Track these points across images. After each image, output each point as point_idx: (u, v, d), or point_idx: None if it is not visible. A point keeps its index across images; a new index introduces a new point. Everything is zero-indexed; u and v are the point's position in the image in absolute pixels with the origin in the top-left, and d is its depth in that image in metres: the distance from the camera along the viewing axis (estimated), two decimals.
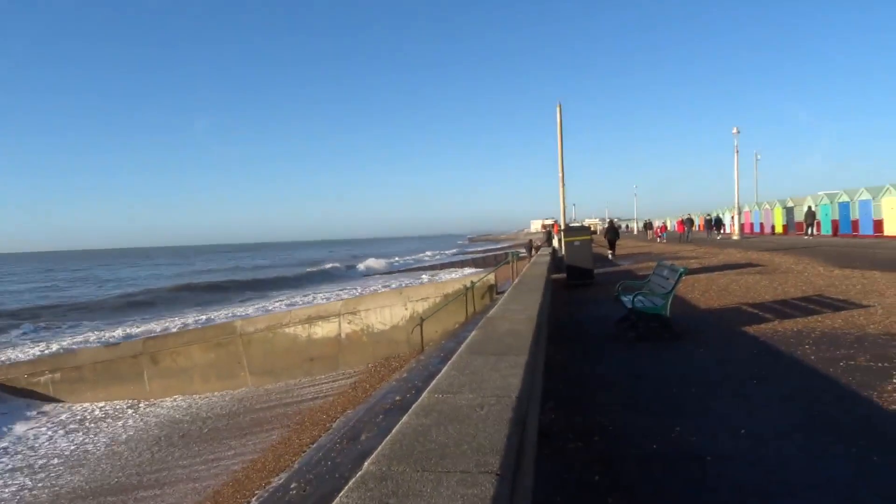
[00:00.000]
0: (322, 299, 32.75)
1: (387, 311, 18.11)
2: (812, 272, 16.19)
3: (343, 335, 17.86)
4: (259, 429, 12.28)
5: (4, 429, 13.67)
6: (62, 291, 54.96)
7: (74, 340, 24.90)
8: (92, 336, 26.01)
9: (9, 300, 46.78)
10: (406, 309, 18.04)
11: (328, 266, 67.81)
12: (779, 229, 48.15)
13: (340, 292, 38.32)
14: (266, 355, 17.40)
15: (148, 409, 15.33)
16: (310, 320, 17.94)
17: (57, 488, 10.20)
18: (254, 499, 7.68)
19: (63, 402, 15.97)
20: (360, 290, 38.03)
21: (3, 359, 21.23)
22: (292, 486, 6.64)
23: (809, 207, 40.14)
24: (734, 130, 41.02)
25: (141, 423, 14.10)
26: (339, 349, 17.72)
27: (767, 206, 51.88)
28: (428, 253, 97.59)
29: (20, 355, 21.62)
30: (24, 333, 29.09)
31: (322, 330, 17.83)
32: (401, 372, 12.80)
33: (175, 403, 15.71)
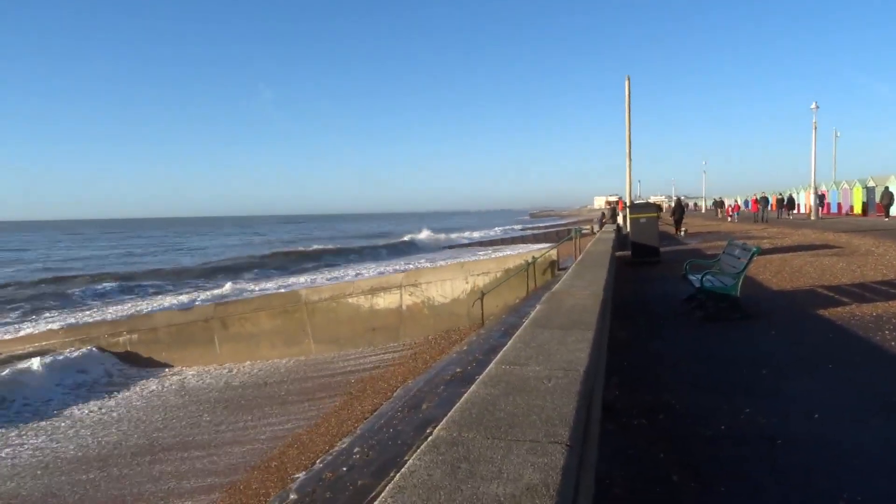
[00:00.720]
0: (392, 271, 33.22)
1: (447, 284, 18.21)
2: (893, 255, 15.39)
3: (404, 307, 18.09)
4: (322, 394, 12.64)
5: (86, 384, 14.53)
6: (140, 258, 57.60)
7: (151, 303, 26.17)
8: (167, 299, 27.24)
9: (93, 265, 49.26)
10: (467, 283, 18.09)
11: (406, 238, 68.20)
12: (857, 210, 45.81)
13: (408, 265, 38.91)
14: (329, 324, 17.81)
15: (217, 372, 15.98)
16: (372, 291, 18.23)
17: (124, 445, 10.79)
18: (318, 461, 7.94)
19: (140, 362, 16.80)
20: (428, 263, 38.51)
21: (86, 318, 22.56)
22: (355, 450, 6.82)
23: (887, 188, 38.01)
24: (813, 106, 39.07)
25: (210, 385, 14.71)
26: (401, 320, 17.97)
27: (846, 185, 49.33)
28: (497, 228, 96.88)
29: (97, 315, 22.98)
30: (104, 294, 30.75)
31: (384, 301, 18.10)
32: (461, 345, 12.90)
33: (243, 367, 16.31)
